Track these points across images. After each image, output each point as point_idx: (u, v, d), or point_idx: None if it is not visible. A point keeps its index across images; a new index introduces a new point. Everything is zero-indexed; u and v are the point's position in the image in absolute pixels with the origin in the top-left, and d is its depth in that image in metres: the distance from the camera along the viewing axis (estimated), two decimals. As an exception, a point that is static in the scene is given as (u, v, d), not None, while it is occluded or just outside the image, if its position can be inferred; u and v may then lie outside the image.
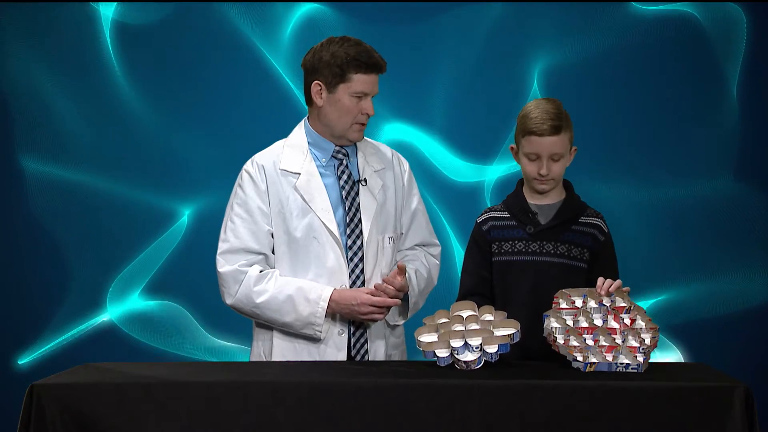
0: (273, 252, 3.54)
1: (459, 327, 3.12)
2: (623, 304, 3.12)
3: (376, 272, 3.54)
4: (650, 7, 5.35)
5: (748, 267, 5.34)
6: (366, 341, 3.54)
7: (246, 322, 3.62)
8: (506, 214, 3.44)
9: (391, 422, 2.85)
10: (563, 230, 3.38)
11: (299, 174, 3.53)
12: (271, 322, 3.51)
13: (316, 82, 3.50)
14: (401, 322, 3.63)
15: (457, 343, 3.08)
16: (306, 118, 3.61)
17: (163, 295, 5.43)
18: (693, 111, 5.35)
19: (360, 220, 3.53)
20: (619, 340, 3.09)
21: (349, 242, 3.53)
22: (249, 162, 3.58)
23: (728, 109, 5.34)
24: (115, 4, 5.40)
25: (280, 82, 5.41)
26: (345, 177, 3.56)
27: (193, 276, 5.32)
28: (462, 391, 2.86)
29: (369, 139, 3.68)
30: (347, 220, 3.54)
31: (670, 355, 5.31)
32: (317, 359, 3.49)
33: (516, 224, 3.42)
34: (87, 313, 5.41)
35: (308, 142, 3.58)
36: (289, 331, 3.51)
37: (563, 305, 3.13)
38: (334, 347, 3.51)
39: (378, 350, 3.56)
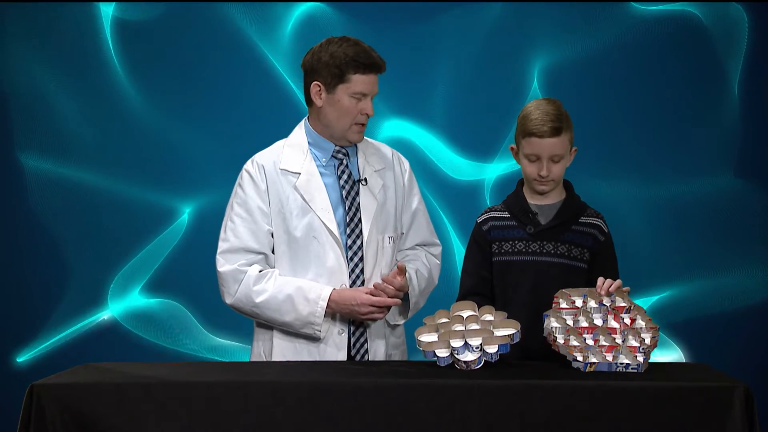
0: (273, 252, 3.54)
1: (459, 327, 3.12)
2: (623, 304, 3.12)
3: (375, 272, 3.54)
4: (651, 7, 5.35)
5: (748, 265, 5.34)
6: (366, 341, 3.55)
7: (245, 320, 3.61)
8: (506, 214, 3.44)
9: (391, 422, 2.84)
10: (563, 230, 3.38)
11: (299, 174, 3.53)
12: (271, 321, 3.51)
13: (315, 82, 3.49)
14: (401, 321, 3.63)
15: (457, 343, 3.08)
16: (306, 118, 3.61)
17: (163, 293, 5.43)
18: (694, 110, 5.36)
19: (360, 220, 3.53)
20: (619, 340, 3.09)
21: (349, 242, 3.53)
22: (249, 162, 3.58)
23: (729, 108, 5.34)
24: (115, 3, 5.40)
25: (281, 80, 5.41)
26: (345, 177, 3.56)
27: (193, 274, 5.32)
28: (462, 391, 2.85)
29: (369, 139, 3.68)
30: (347, 220, 3.54)
31: (670, 353, 5.32)
32: (317, 359, 3.50)
33: (516, 224, 3.42)
34: (86, 311, 5.42)
35: (308, 142, 3.58)
36: (289, 331, 3.51)
37: (563, 305, 3.13)
38: (334, 347, 3.51)
39: (378, 350, 3.56)
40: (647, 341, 3.09)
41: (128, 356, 5.29)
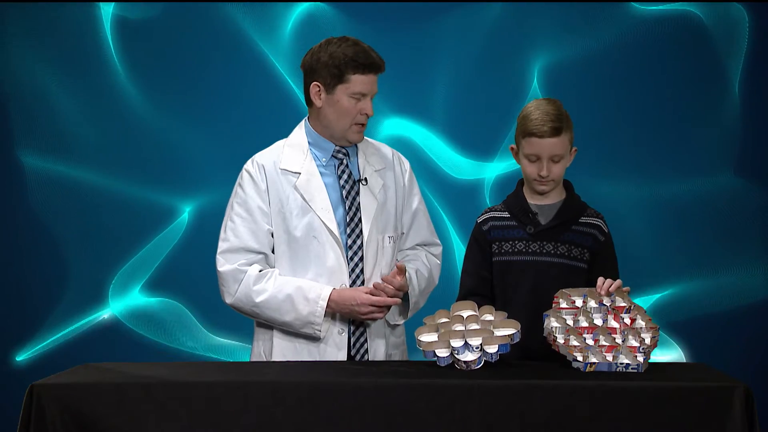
0: (273, 251, 3.54)
1: (459, 327, 3.12)
2: (623, 304, 3.12)
3: (375, 272, 3.53)
4: (651, 7, 5.35)
5: (748, 264, 5.35)
6: (366, 341, 3.55)
7: (244, 319, 3.61)
8: (506, 214, 3.44)
9: (391, 422, 2.84)
10: (563, 230, 3.38)
11: (299, 173, 3.53)
12: (271, 321, 3.51)
13: (314, 83, 3.49)
14: (401, 321, 3.63)
15: (457, 343, 3.08)
16: (306, 118, 3.61)
17: (163, 292, 5.43)
18: (695, 109, 5.36)
19: (360, 220, 3.53)
20: (619, 340, 3.09)
21: (349, 242, 3.53)
22: (249, 162, 3.58)
23: (730, 108, 5.34)
24: (115, 2, 5.40)
25: (281, 79, 5.41)
26: (345, 176, 3.56)
27: (193, 274, 5.33)
28: (462, 391, 2.86)
29: (369, 139, 3.68)
30: (347, 220, 3.54)
31: (670, 352, 5.32)
32: (317, 359, 3.50)
33: (516, 224, 3.42)
34: (86, 309, 5.42)
35: (308, 142, 3.58)
36: (290, 331, 3.51)
37: (563, 305, 3.13)
38: (335, 346, 3.51)
39: (378, 349, 3.56)
40: (647, 341, 3.09)
41: (128, 355, 5.29)
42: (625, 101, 5.37)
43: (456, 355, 3.07)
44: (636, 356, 3.08)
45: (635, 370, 3.07)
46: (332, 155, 3.57)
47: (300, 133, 3.60)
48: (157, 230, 5.45)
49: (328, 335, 3.51)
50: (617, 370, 3.08)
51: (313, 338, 3.50)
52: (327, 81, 3.47)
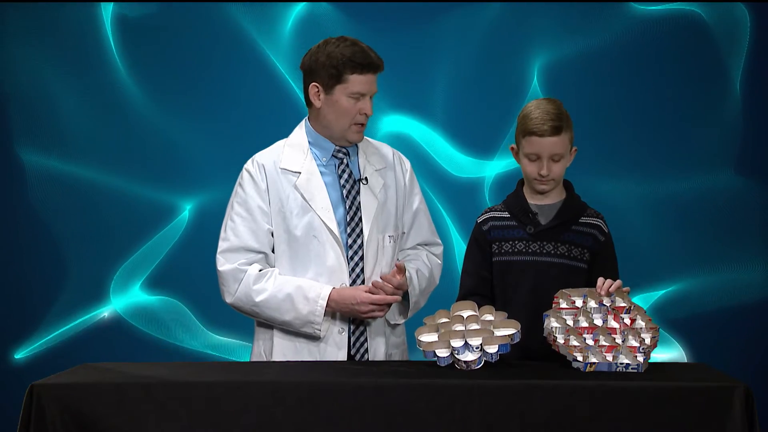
0: (273, 251, 3.54)
1: (459, 327, 3.12)
2: (623, 304, 3.12)
3: (376, 271, 3.53)
4: (651, 7, 5.35)
5: (749, 262, 5.34)
6: (366, 340, 3.55)
7: (243, 318, 3.61)
8: (506, 214, 3.44)
9: (391, 422, 2.85)
10: (563, 230, 3.38)
11: (299, 173, 3.53)
12: (271, 320, 3.51)
13: (313, 84, 3.49)
14: (402, 321, 3.63)
15: (457, 343, 3.08)
16: (306, 117, 3.61)
17: (163, 291, 5.43)
18: (696, 108, 5.35)
19: (360, 219, 3.53)
20: (619, 340, 3.09)
21: (350, 241, 3.53)
22: (249, 161, 3.58)
23: (731, 106, 5.34)
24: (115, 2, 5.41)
25: (282, 78, 5.41)
26: (346, 176, 3.56)
27: (193, 272, 5.33)
28: (462, 391, 2.86)
29: (370, 139, 3.68)
30: (347, 219, 3.54)
31: (670, 350, 5.32)
32: (318, 358, 3.50)
33: (516, 224, 3.41)
34: (85, 307, 5.42)
35: (309, 142, 3.58)
36: (290, 330, 3.51)
37: (563, 305, 3.13)
38: (335, 346, 3.51)
39: (378, 349, 3.56)
40: (647, 341, 3.09)
41: (127, 353, 5.30)
42: (627, 100, 5.37)
43: (456, 355, 3.07)
44: (636, 356, 3.08)
45: (635, 370, 3.07)
46: (332, 155, 3.57)
47: (300, 133, 3.60)
48: (157, 228, 5.45)
49: (328, 334, 3.51)
50: (617, 370, 3.08)
51: (313, 338, 3.50)
52: (325, 81, 3.47)
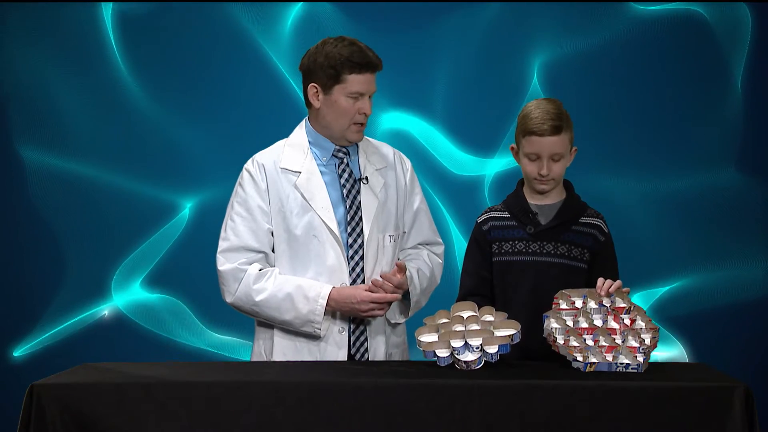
0: (273, 250, 3.54)
1: (459, 327, 3.12)
2: (623, 305, 3.12)
3: (376, 271, 3.54)
4: (651, 7, 5.35)
5: (749, 260, 5.35)
6: (366, 339, 3.55)
7: (242, 317, 3.61)
8: (506, 214, 3.44)
9: (391, 422, 2.85)
10: (563, 230, 3.38)
11: (299, 172, 3.53)
12: (271, 320, 3.51)
13: (312, 84, 3.50)
14: (402, 320, 3.63)
15: (457, 343, 3.08)
16: (306, 117, 3.61)
17: (162, 289, 5.43)
18: (697, 106, 5.36)
19: (361, 219, 3.53)
20: (619, 341, 3.09)
21: (350, 240, 3.53)
22: (249, 161, 3.59)
23: (732, 105, 5.34)
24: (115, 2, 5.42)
25: (283, 77, 5.41)
26: (346, 175, 3.56)
27: (193, 271, 5.32)
28: (462, 391, 2.86)
29: (370, 139, 3.68)
30: (348, 219, 3.54)
31: (671, 348, 5.32)
32: (318, 357, 3.50)
33: (516, 224, 3.41)
34: (84, 305, 5.42)
35: (309, 141, 3.58)
36: (290, 330, 3.51)
37: (563, 306, 3.13)
38: (335, 345, 3.51)
39: (378, 348, 3.56)
40: (647, 342, 3.09)
41: (126, 350, 5.30)
42: (628, 98, 5.37)
43: (456, 355, 3.07)
44: (636, 356, 3.08)
45: (635, 370, 3.07)
46: (333, 154, 3.57)
47: (300, 133, 3.60)
48: (157, 226, 5.45)
49: (329, 334, 3.51)
50: (617, 370, 3.08)
51: (314, 337, 3.51)
52: (324, 82, 3.47)
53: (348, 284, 3.51)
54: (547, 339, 3.14)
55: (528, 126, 3.32)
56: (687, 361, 5.28)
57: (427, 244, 3.71)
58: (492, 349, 3.07)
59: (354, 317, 3.52)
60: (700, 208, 5.35)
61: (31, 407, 2.86)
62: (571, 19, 5.35)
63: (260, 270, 3.50)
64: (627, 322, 3.11)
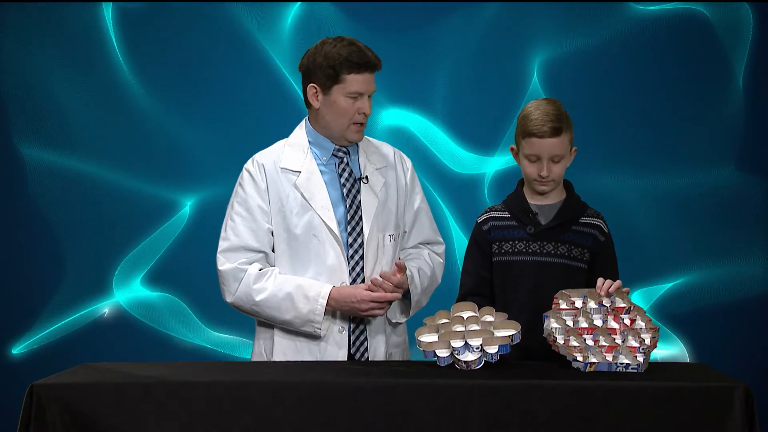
0: (273, 250, 3.54)
1: (459, 327, 3.12)
2: (623, 305, 3.12)
3: (376, 270, 3.53)
4: (651, 7, 5.35)
5: (750, 257, 5.35)
6: (366, 339, 3.55)
7: (241, 315, 3.61)
8: (507, 214, 3.44)
9: (391, 422, 2.85)
10: (563, 230, 3.38)
11: (299, 172, 3.53)
12: (271, 320, 3.51)
13: (311, 84, 3.50)
14: (403, 320, 3.63)
15: (457, 343, 3.07)
16: (306, 117, 3.61)
17: (162, 287, 5.43)
18: (700, 106, 5.36)
19: (361, 218, 3.53)
20: (619, 340, 3.09)
21: (350, 240, 3.53)
22: (249, 161, 3.59)
23: (733, 104, 5.34)
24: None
25: (284, 75, 5.41)
26: (346, 175, 3.56)
27: (193, 269, 5.33)
28: (462, 391, 2.86)
29: (370, 139, 3.68)
30: (348, 218, 3.53)
31: (672, 346, 5.33)
32: (318, 357, 3.50)
33: (516, 224, 3.41)
34: (82, 303, 5.42)
35: (309, 141, 3.58)
36: (290, 330, 3.51)
37: (563, 306, 3.13)
38: (335, 345, 3.51)
39: (378, 348, 3.56)
40: (647, 341, 3.09)
41: (125, 349, 5.31)
42: (630, 97, 5.37)
43: (456, 356, 3.07)
44: (636, 356, 3.08)
45: (635, 370, 3.07)
46: (333, 154, 3.57)
47: (300, 133, 3.60)
48: (158, 224, 5.45)
49: (329, 333, 3.51)
50: (617, 370, 3.08)
51: (314, 337, 3.51)
52: (323, 82, 3.47)
53: (348, 284, 3.51)
54: (547, 339, 3.14)
55: (528, 127, 3.31)
56: (687, 359, 5.29)
57: (427, 244, 3.71)
58: (492, 350, 3.07)
59: (354, 317, 3.52)
60: (700, 206, 5.35)
61: (31, 407, 2.86)
62: (575, 17, 5.35)
63: (260, 270, 3.50)
64: (627, 322, 3.11)
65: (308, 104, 3.54)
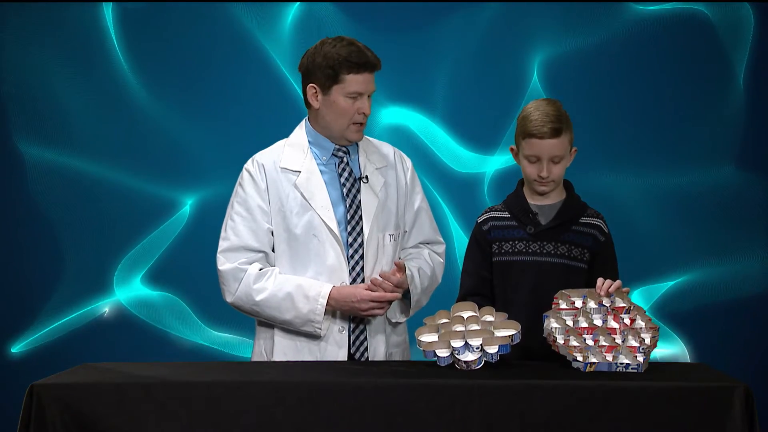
0: (273, 250, 3.54)
1: (459, 327, 3.12)
2: (623, 305, 3.12)
3: (376, 270, 3.53)
4: (651, 7, 5.35)
5: (750, 255, 5.35)
6: (366, 338, 3.55)
7: (240, 314, 3.61)
8: (507, 215, 3.44)
9: (391, 422, 2.85)
10: (563, 231, 3.38)
11: (299, 172, 3.53)
12: (271, 319, 3.51)
13: (311, 85, 3.49)
14: (403, 319, 3.63)
15: (457, 343, 3.07)
16: (306, 117, 3.61)
17: (161, 286, 5.43)
18: (701, 105, 5.36)
19: (361, 218, 3.53)
20: (619, 340, 3.09)
21: (350, 240, 3.53)
22: (249, 161, 3.59)
23: (734, 103, 5.34)
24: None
25: (285, 75, 5.41)
26: (346, 174, 3.56)
27: (192, 268, 5.33)
28: (462, 391, 2.86)
29: (370, 138, 3.68)
30: (348, 218, 3.53)
31: (672, 345, 5.33)
32: (318, 357, 3.50)
33: (516, 224, 3.41)
34: (81, 301, 5.42)
35: (309, 141, 3.58)
36: (291, 330, 3.51)
37: (563, 306, 3.13)
38: (335, 345, 3.51)
39: (378, 348, 3.56)
40: (647, 341, 3.09)
41: (124, 347, 5.31)
42: (631, 96, 5.37)
43: (456, 355, 3.07)
44: (636, 356, 3.08)
45: (635, 370, 3.07)
46: (332, 154, 3.57)
47: (300, 133, 3.60)
48: (158, 222, 5.45)
49: (329, 333, 3.51)
50: (617, 370, 3.08)
51: (314, 336, 3.51)
52: (322, 82, 3.47)
53: (348, 283, 3.51)
54: (547, 339, 3.14)
55: (527, 128, 3.31)
56: (688, 358, 5.29)
57: (428, 243, 3.71)
58: (492, 349, 3.07)
59: (354, 316, 3.52)
60: (701, 205, 5.35)
61: (31, 407, 2.86)
62: (576, 16, 5.35)
63: (260, 270, 3.50)
64: (627, 321, 3.11)
65: (308, 104, 3.54)
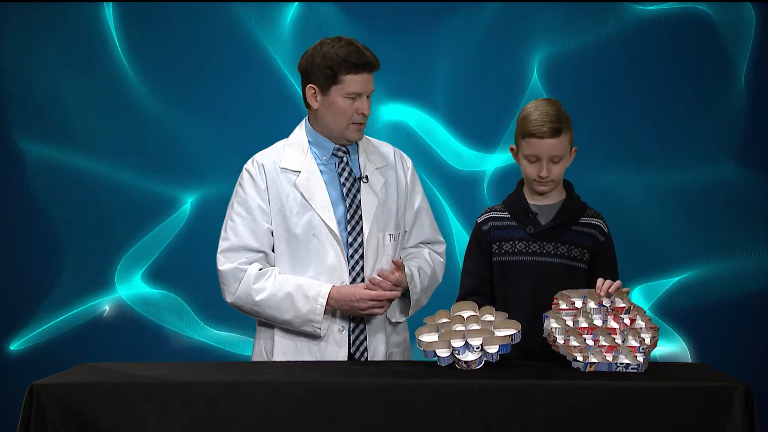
0: (273, 250, 3.54)
1: (460, 327, 3.12)
2: (623, 305, 3.12)
3: (376, 270, 3.53)
4: (654, 6, 5.35)
5: (750, 253, 5.36)
6: (366, 338, 3.55)
7: (239, 314, 3.61)
8: (506, 215, 3.43)
9: (391, 422, 2.85)
10: (563, 231, 3.38)
11: (299, 172, 3.53)
12: (271, 319, 3.51)
13: (310, 85, 3.49)
14: (402, 319, 3.63)
15: (457, 343, 3.07)
16: (306, 117, 3.61)
17: (161, 284, 5.44)
18: (702, 104, 5.36)
19: (361, 218, 3.53)
20: (619, 340, 3.09)
21: (350, 239, 3.52)
22: (249, 161, 3.59)
23: (736, 102, 5.34)
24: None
25: (285, 74, 5.41)
26: (346, 174, 3.56)
27: (192, 267, 5.33)
28: (462, 391, 2.86)
29: (370, 138, 3.68)
30: (348, 218, 3.53)
31: (673, 343, 5.33)
32: (318, 357, 3.50)
33: (516, 224, 3.41)
34: (80, 299, 5.42)
35: (309, 141, 3.58)
36: (290, 329, 3.51)
37: (563, 306, 3.13)
38: (335, 344, 3.51)
39: (378, 347, 3.56)
40: (647, 341, 3.09)
41: (123, 346, 5.32)
42: (632, 94, 5.37)
43: (456, 355, 3.07)
44: (636, 356, 3.08)
45: (635, 370, 3.07)
46: (332, 153, 3.57)
47: (300, 133, 3.60)
48: (158, 220, 5.45)
49: (329, 333, 3.51)
50: (617, 370, 3.08)
51: (314, 336, 3.50)
52: (321, 83, 3.46)
53: (348, 283, 3.51)
54: (547, 339, 3.14)
55: (527, 128, 3.31)
56: (689, 356, 5.29)
57: (428, 243, 3.71)
58: (492, 349, 3.07)
59: (354, 316, 3.52)
60: (702, 202, 5.36)
61: (31, 407, 2.86)
62: (573, 17, 5.35)
63: (260, 269, 3.50)
64: (627, 321, 3.11)
65: (307, 105, 3.54)
